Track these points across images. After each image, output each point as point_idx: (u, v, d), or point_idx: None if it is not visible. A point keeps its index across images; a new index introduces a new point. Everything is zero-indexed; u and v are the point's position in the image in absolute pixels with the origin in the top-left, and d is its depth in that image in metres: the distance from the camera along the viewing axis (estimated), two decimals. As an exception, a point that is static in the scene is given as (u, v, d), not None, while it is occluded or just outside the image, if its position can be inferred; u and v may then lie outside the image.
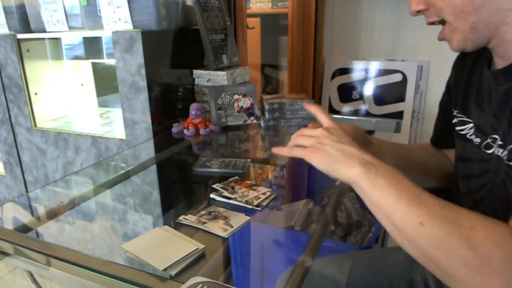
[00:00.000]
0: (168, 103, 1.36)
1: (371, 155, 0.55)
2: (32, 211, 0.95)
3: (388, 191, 0.50)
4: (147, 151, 1.28)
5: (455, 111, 0.72)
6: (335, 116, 1.67)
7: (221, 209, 0.81)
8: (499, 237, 0.43)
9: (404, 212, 0.48)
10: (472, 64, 0.68)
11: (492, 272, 0.42)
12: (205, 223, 0.75)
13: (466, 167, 0.67)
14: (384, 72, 1.97)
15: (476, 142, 0.63)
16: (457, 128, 0.70)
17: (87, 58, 1.78)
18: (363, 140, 0.74)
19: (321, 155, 0.55)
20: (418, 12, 0.61)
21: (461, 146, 0.69)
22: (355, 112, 2.06)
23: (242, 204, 0.83)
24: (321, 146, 0.56)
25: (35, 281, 0.89)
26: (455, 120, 0.72)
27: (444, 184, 0.84)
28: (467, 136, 0.66)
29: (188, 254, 0.65)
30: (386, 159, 0.76)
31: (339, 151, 0.55)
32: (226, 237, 0.71)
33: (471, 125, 0.66)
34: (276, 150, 0.63)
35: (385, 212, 0.50)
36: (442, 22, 0.60)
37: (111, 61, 1.65)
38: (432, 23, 0.62)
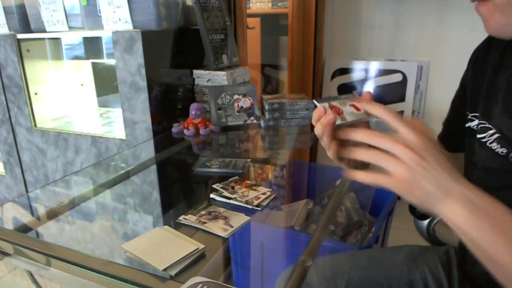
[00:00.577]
0: (168, 103, 1.36)
1: (470, 186, 0.47)
2: (32, 211, 0.95)
3: (497, 236, 0.44)
4: (147, 151, 1.28)
5: (472, 115, 0.65)
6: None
7: (221, 209, 0.81)
8: None
9: None
10: (497, 65, 0.62)
11: None
12: (205, 223, 0.75)
13: (489, 178, 0.62)
14: (384, 72, 1.97)
15: (502, 152, 0.57)
16: (478, 135, 0.63)
17: (87, 58, 1.78)
18: None
19: (414, 190, 0.47)
20: None
21: (482, 155, 0.62)
22: (355, 112, 2.06)
23: (242, 204, 0.83)
24: (413, 176, 0.46)
25: (35, 281, 0.89)
26: (470, 124, 0.65)
27: None
28: (487, 144, 0.60)
29: (188, 254, 0.65)
30: None
31: (435, 185, 0.46)
32: (226, 237, 0.71)
33: (492, 131, 0.60)
34: (351, 174, 0.51)
35: (495, 261, 0.45)
36: None
37: (111, 61, 1.65)
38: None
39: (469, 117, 0.66)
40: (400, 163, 0.47)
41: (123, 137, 1.36)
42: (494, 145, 0.59)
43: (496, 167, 0.59)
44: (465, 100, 0.70)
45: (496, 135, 0.59)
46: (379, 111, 0.50)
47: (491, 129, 0.60)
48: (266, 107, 1.33)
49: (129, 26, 1.26)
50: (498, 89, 0.60)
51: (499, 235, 0.44)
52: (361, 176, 0.50)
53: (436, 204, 0.47)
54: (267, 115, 1.33)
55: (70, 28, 1.42)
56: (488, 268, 0.46)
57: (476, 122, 0.64)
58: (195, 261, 0.65)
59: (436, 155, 0.48)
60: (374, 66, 1.99)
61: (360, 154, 0.50)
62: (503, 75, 0.60)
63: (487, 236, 0.44)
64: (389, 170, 0.48)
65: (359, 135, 0.50)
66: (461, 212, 0.45)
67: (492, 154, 0.59)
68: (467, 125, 0.66)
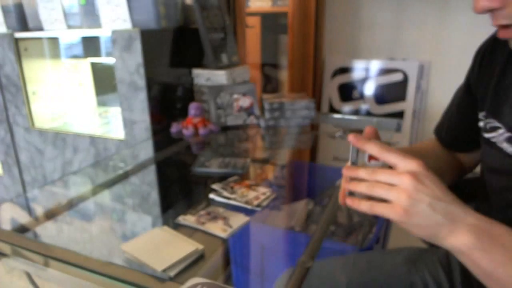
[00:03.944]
0: (167, 103, 1.35)
1: (474, 212, 0.45)
2: (30, 211, 0.94)
3: (509, 263, 0.42)
4: (146, 151, 1.27)
5: (481, 114, 0.63)
6: (335, 116, 1.66)
7: (221, 209, 0.80)
8: None
9: None
10: (505, 64, 0.60)
11: None
12: (204, 223, 0.74)
13: (497, 180, 0.60)
14: (385, 71, 1.96)
15: None
16: (486, 135, 0.61)
17: (86, 57, 1.77)
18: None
19: (417, 219, 0.44)
20: (488, 10, 0.50)
21: (491, 155, 0.60)
22: (356, 112, 2.05)
23: (242, 204, 0.82)
24: (415, 206, 0.44)
25: (33, 282, 0.88)
26: (481, 124, 0.63)
27: (449, 183, 0.80)
28: (497, 144, 0.58)
29: (187, 255, 0.64)
30: None
31: (439, 213, 0.44)
32: (225, 237, 0.71)
33: (502, 131, 0.58)
34: (351, 202, 0.50)
35: None
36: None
37: (110, 60, 1.65)
38: (501, 26, 0.52)
39: (479, 116, 0.64)
40: (402, 191, 0.45)
41: (122, 137, 1.35)
42: (504, 145, 0.57)
43: (506, 168, 0.57)
44: (471, 100, 0.68)
45: (507, 135, 0.57)
46: (372, 150, 0.49)
47: (500, 128, 0.58)
48: (266, 106, 1.32)
49: (128, 25, 1.26)
50: (508, 87, 0.58)
51: (509, 259, 0.42)
52: (362, 206, 0.48)
53: (444, 236, 0.44)
54: (267, 115, 1.32)
55: (68, 27, 1.41)
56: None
57: (484, 121, 0.63)
58: (194, 262, 0.64)
59: (436, 181, 0.46)
60: (375, 65, 1.98)
61: (361, 187, 0.49)
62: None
63: (503, 266, 0.42)
64: (389, 199, 0.46)
65: (366, 189, 0.49)
66: (469, 241, 0.43)
67: (501, 154, 0.57)
68: (480, 124, 0.64)
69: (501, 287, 0.43)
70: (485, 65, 0.65)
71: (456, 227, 0.44)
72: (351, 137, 0.50)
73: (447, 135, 0.77)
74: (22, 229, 0.81)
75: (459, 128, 0.74)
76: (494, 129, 0.59)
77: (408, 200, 0.44)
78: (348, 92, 2.07)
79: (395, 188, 0.45)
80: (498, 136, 0.58)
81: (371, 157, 0.52)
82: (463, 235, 0.43)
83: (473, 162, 0.77)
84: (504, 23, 0.50)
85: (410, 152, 0.64)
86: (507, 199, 0.57)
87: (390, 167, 0.50)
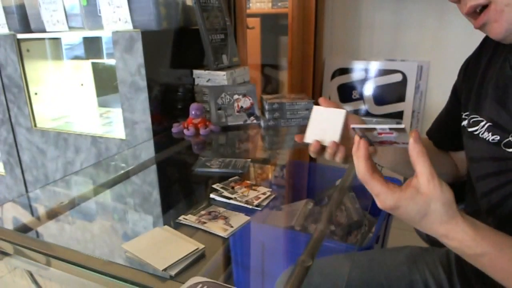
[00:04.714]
0: (168, 103, 1.36)
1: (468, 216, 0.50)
2: (32, 211, 0.95)
3: (499, 242, 0.48)
4: (147, 151, 1.28)
5: (465, 114, 0.68)
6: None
7: (221, 209, 0.81)
8: None
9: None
10: (486, 66, 0.65)
11: None
12: (205, 223, 0.75)
13: (481, 167, 0.64)
14: (384, 72, 1.97)
15: (493, 140, 0.60)
16: (470, 129, 0.66)
17: (87, 58, 1.78)
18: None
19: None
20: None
21: (474, 146, 0.65)
22: (355, 112, 2.05)
23: (242, 204, 0.83)
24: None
25: (35, 281, 0.89)
26: (464, 123, 0.68)
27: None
28: (479, 135, 0.63)
29: (188, 254, 0.65)
30: (387, 162, 0.76)
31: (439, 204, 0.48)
32: (226, 237, 0.71)
33: (483, 122, 0.62)
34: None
35: (501, 269, 0.48)
36: (484, 6, 0.55)
37: (111, 61, 1.65)
38: (474, 8, 0.56)
39: (463, 116, 0.69)
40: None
41: (123, 137, 1.36)
42: (486, 134, 0.61)
43: (489, 156, 0.61)
44: (456, 103, 0.74)
45: (487, 124, 0.61)
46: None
47: (482, 121, 0.63)
48: (266, 107, 1.33)
49: (129, 26, 1.26)
50: (487, 84, 0.63)
51: (501, 243, 0.47)
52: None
53: (435, 223, 0.48)
54: (267, 115, 1.33)
55: (70, 28, 1.42)
56: (493, 276, 0.48)
57: (467, 119, 0.67)
58: (195, 261, 0.65)
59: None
60: (374, 66, 1.99)
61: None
62: (492, 71, 0.63)
63: (490, 246, 0.47)
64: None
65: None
66: (463, 228, 0.47)
67: (484, 143, 0.61)
68: (462, 124, 0.69)
69: (491, 265, 0.48)
70: (469, 70, 0.70)
71: (450, 218, 0.48)
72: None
73: (436, 134, 0.83)
74: (24, 229, 0.81)
75: (446, 127, 0.80)
76: (476, 123, 0.64)
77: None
78: (347, 92, 2.07)
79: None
80: (480, 128, 0.63)
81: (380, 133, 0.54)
82: (455, 223, 0.48)
83: (464, 165, 0.79)
84: (479, 2, 0.54)
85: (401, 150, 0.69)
86: (491, 185, 0.61)
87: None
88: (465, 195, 0.74)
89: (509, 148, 0.57)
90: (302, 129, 0.66)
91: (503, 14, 0.54)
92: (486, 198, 0.62)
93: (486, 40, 0.68)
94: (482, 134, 0.62)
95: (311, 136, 0.66)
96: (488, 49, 0.67)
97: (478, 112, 0.64)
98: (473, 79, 0.68)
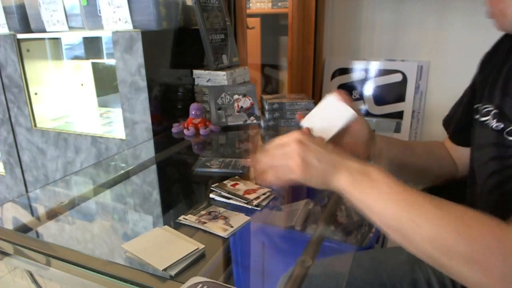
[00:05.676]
0: (168, 103, 1.36)
1: (355, 159, 0.55)
2: (32, 211, 0.95)
3: (378, 196, 0.51)
4: (147, 151, 1.28)
5: (479, 105, 0.69)
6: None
7: (221, 209, 0.81)
8: (496, 232, 0.43)
9: (397, 215, 0.49)
10: (504, 60, 0.66)
11: (491, 267, 0.42)
12: (205, 223, 0.75)
13: (483, 153, 0.65)
14: (384, 72, 1.97)
15: (497, 127, 0.61)
16: (481, 119, 0.67)
17: (87, 58, 1.78)
18: (370, 136, 0.73)
19: (311, 172, 0.55)
20: None
21: (482, 134, 0.66)
22: (355, 112, 2.05)
23: (242, 204, 0.83)
24: (306, 162, 0.55)
25: (35, 281, 0.89)
26: (477, 116, 0.69)
27: (438, 184, 0.84)
28: (488, 123, 0.64)
29: (188, 254, 0.65)
30: (384, 160, 0.76)
31: (324, 162, 0.55)
32: (226, 237, 0.71)
33: (493, 111, 0.63)
34: (261, 179, 0.61)
35: (378, 217, 0.51)
36: None
37: (111, 61, 1.65)
38: None
39: (478, 108, 0.69)
40: (292, 155, 0.55)
41: (123, 137, 1.36)
42: (492, 122, 0.62)
43: (491, 142, 0.62)
44: (471, 96, 0.74)
45: (494, 112, 0.62)
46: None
47: (492, 110, 0.63)
48: (266, 107, 1.33)
49: (129, 26, 1.26)
50: (501, 76, 0.64)
51: (384, 194, 0.51)
52: (268, 178, 0.59)
53: (330, 180, 0.54)
54: (267, 115, 1.33)
55: (70, 28, 1.42)
56: (371, 219, 0.53)
57: (480, 109, 0.67)
58: (195, 261, 0.65)
59: (319, 142, 0.58)
60: (374, 66, 1.99)
61: (265, 160, 0.60)
62: (508, 63, 0.63)
63: (372, 197, 0.51)
64: (287, 165, 0.56)
65: (269, 161, 0.60)
66: (347, 177, 0.53)
67: (489, 130, 0.62)
68: (475, 116, 0.69)
69: (377, 218, 0.52)
70: (487, 64, 0.71)
71: (338, 171, 0.54)
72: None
73: (452, 128, 0.82)
74: (24, 229, 0.81)
75: (465, 123, 0.78)
76: (488, 112, 0.65)
77: (299, 159, 0.55)
78: (347, 92, 2.07)
79: (288, 154, 0.56)
80: (489, 116, 0.64)
81: None
82: (343, 176, 0.54)
83: (464, 164, 0.79)
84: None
85: (386, 141, 0.77)
86: (491, 169, 0.62)
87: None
88: (466, 194, 0.74)
89: (510, 136, 0.58)
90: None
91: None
92: (485, 183, 0.63)
93: (507, 34, 0.69)
94: (489, 121, 0.63)
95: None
96: (507, 42, 0.67)
97: (491, 102, 0.65)
98: (490, 71, 0.68)
